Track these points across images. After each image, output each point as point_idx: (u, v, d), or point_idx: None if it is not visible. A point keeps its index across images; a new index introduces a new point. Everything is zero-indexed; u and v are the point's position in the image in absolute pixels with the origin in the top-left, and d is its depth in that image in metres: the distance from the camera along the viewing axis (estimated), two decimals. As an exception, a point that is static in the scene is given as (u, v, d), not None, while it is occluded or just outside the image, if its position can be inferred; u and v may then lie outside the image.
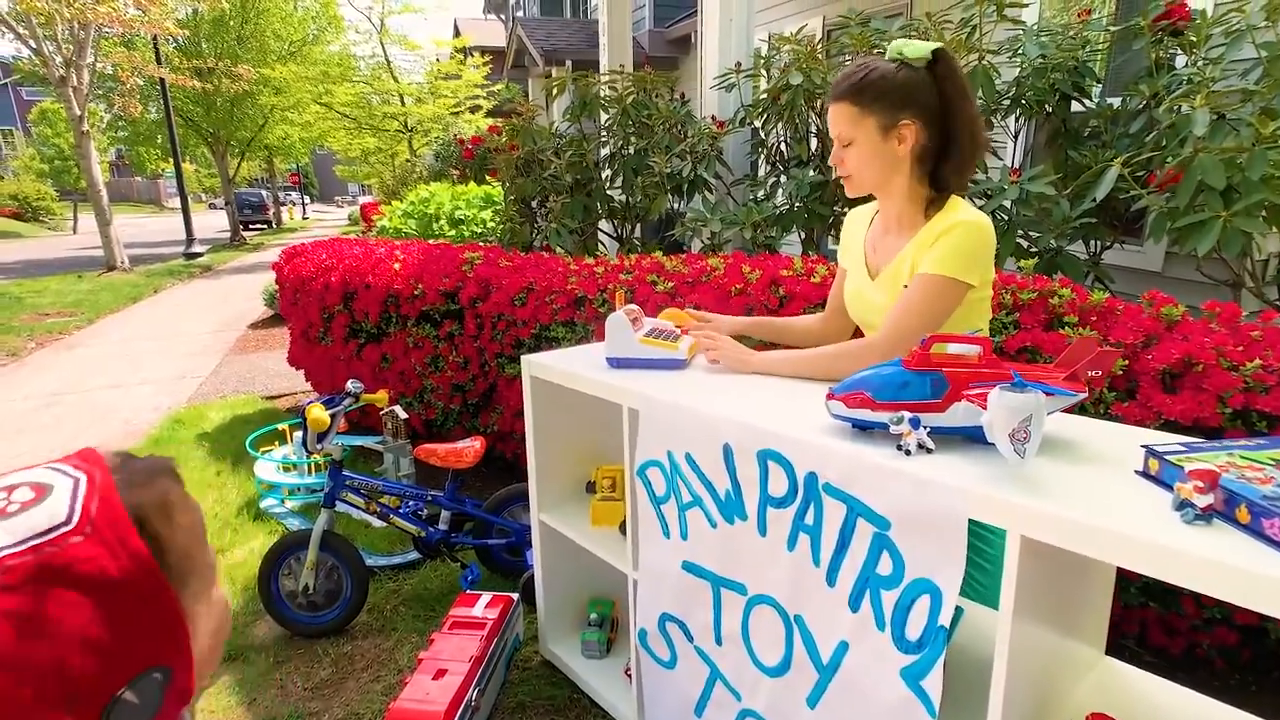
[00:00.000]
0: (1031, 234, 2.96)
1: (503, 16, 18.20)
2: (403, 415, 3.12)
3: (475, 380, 3.25)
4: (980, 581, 1.40)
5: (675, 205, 4.21)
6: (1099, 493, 1.01)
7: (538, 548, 2.11)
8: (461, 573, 2.44)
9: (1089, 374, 1.16)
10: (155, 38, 13.33)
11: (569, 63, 10.10)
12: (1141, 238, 3.49)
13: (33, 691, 0.43)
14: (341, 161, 22.52)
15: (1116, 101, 3.21)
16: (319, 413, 2.17)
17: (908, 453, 1.16)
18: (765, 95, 3.79)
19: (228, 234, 19.09)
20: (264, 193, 25.70)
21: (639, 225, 4.68)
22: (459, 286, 3.22)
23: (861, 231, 1.62)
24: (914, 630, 1.12)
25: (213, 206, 34.22)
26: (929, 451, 1.16)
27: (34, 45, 10.86)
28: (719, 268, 2.71)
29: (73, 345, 7.16)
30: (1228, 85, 2.65)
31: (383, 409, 3.14)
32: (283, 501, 3.28)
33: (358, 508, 2.44)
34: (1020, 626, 1.03)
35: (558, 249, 4.20)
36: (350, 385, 2.49)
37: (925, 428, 1.16)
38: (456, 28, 19.48)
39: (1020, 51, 3.18)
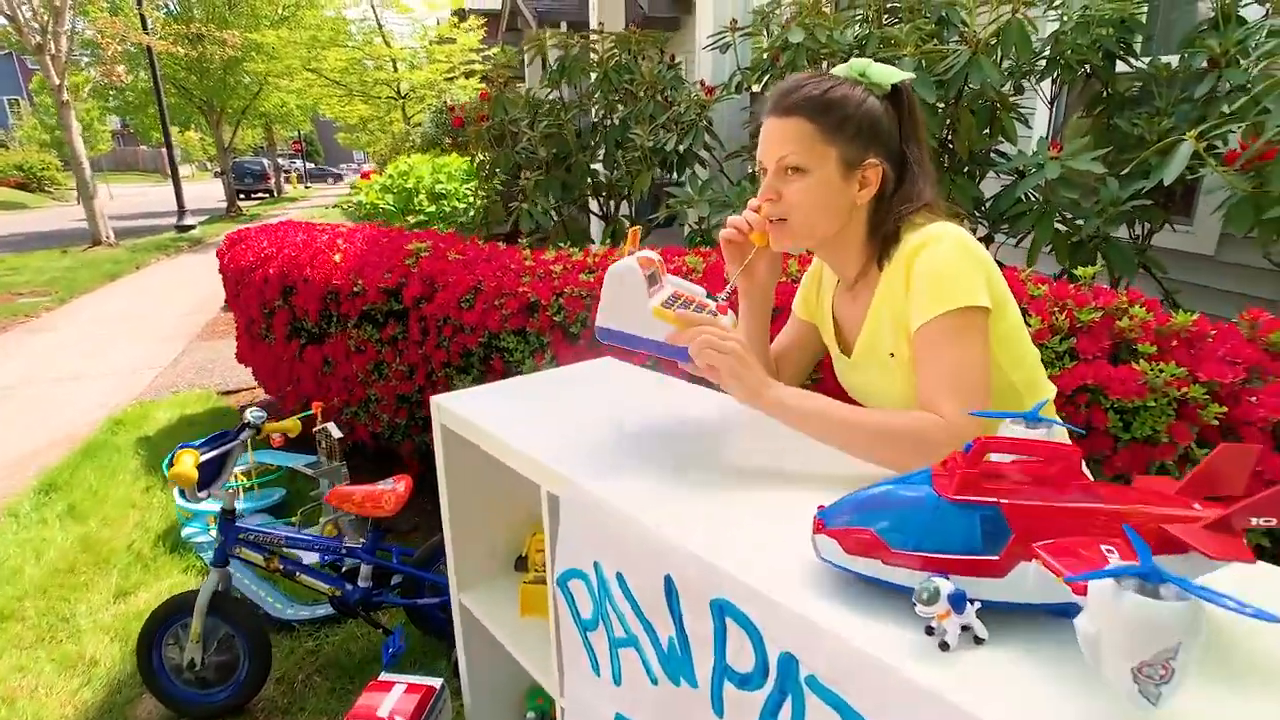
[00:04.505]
0: (1067, 216, 2.49)
1: (501, -25, 17.36)
2: (336, 434, 2.69)
3: (422, 391, 2.80)
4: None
5: (665, 179, 3.71)
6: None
7: (459, 634, 1.68)
8: (384, 641, 2.02)
9: (1255, 522, 0.69)
10: (140, 2, 12.79)
11: (564, 24, 9.46)
12: (1191, 216, 2.99)
13: None
14: (343, 129, 21.90)
15: (1173, 60, 2.69)
16: (184, 467, 1.71)
17: (944, 646, 0.70)
18: (765, 56, 3.26)
19: (225, 204, 18.69)
20: (265, 161, 25.11)
21: (625, 203, 4.18)
22: (401, 283, 2.75)
23: (828, 293, 1.22)
24: None
25: (217, 175, 33.69)
26: (979, 642, 0.71)
27: (8, 12, 10.34)
28: (698, 268, 2.22)
29: (38, 330, 6.78)
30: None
31: (315, 428, 2.72)
32: (208, 529, 2.87)
33: (256, 565, 2.01)
34: None
35: (529, 233, 3.72)
36: (249, 414, 2.06)
37: (974, 601, 0.70)
38: (455, -12, 18.65)
39: (1063, 3, 2.68)
